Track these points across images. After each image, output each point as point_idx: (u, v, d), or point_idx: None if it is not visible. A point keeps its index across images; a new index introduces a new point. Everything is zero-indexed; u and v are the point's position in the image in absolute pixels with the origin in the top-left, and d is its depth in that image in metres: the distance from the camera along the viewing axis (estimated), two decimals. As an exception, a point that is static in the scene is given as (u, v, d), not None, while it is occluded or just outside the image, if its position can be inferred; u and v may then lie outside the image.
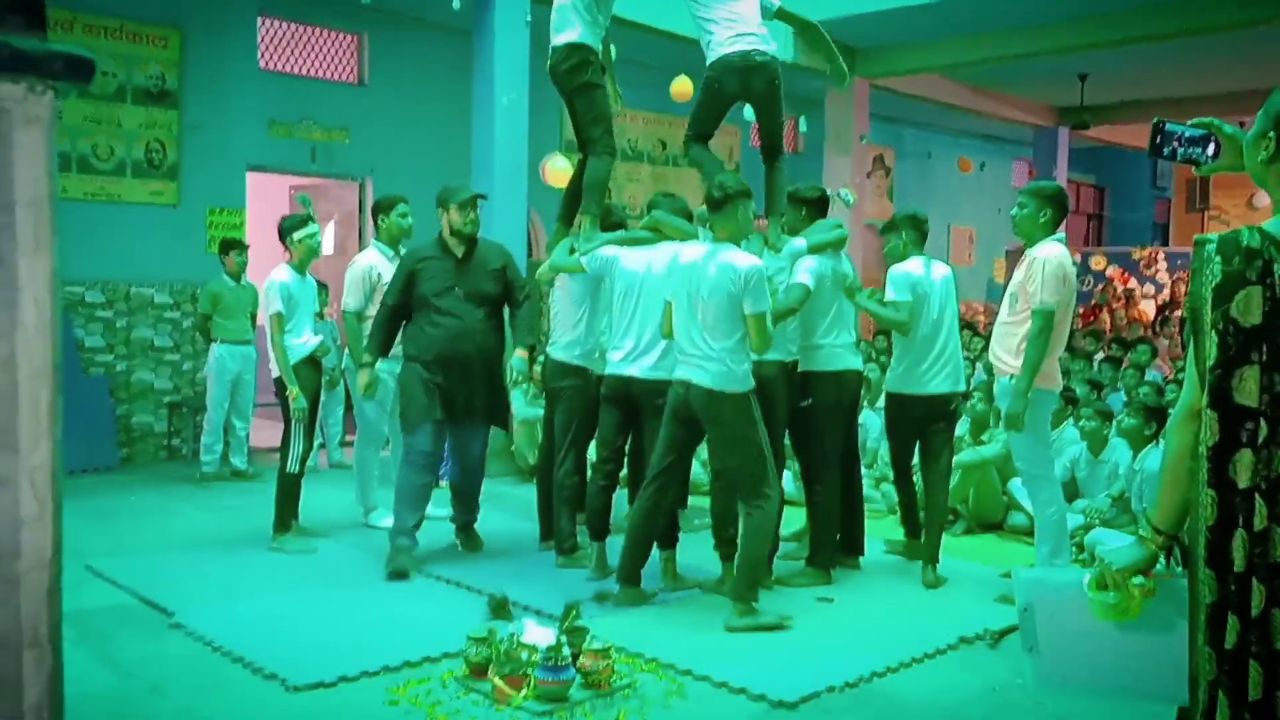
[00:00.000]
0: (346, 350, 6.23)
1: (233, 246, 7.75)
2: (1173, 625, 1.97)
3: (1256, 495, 1.84)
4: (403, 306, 5.36)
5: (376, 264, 6.02)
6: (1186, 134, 2.19)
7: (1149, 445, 5.74)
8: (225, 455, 7.78)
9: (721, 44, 5.01)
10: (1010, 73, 11.84)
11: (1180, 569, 2.10)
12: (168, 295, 8.54)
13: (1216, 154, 2.17)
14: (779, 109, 5.22)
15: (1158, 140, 2.20)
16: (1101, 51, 10.21)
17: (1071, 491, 6.43)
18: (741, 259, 4.34)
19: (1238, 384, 1.83)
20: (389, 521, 6.11)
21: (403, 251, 6.15)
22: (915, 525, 5.63)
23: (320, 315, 7.63)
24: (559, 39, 5.26)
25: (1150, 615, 2.02)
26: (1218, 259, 1.86)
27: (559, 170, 7.94)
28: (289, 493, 5.70)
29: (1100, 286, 15.84)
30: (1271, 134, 1.93)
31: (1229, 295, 1.84)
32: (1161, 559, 2.06)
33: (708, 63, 5.12)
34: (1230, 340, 1.83)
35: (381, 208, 6.16)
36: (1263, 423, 1.84)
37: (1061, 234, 4.93)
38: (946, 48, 10.45)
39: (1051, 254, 4.73)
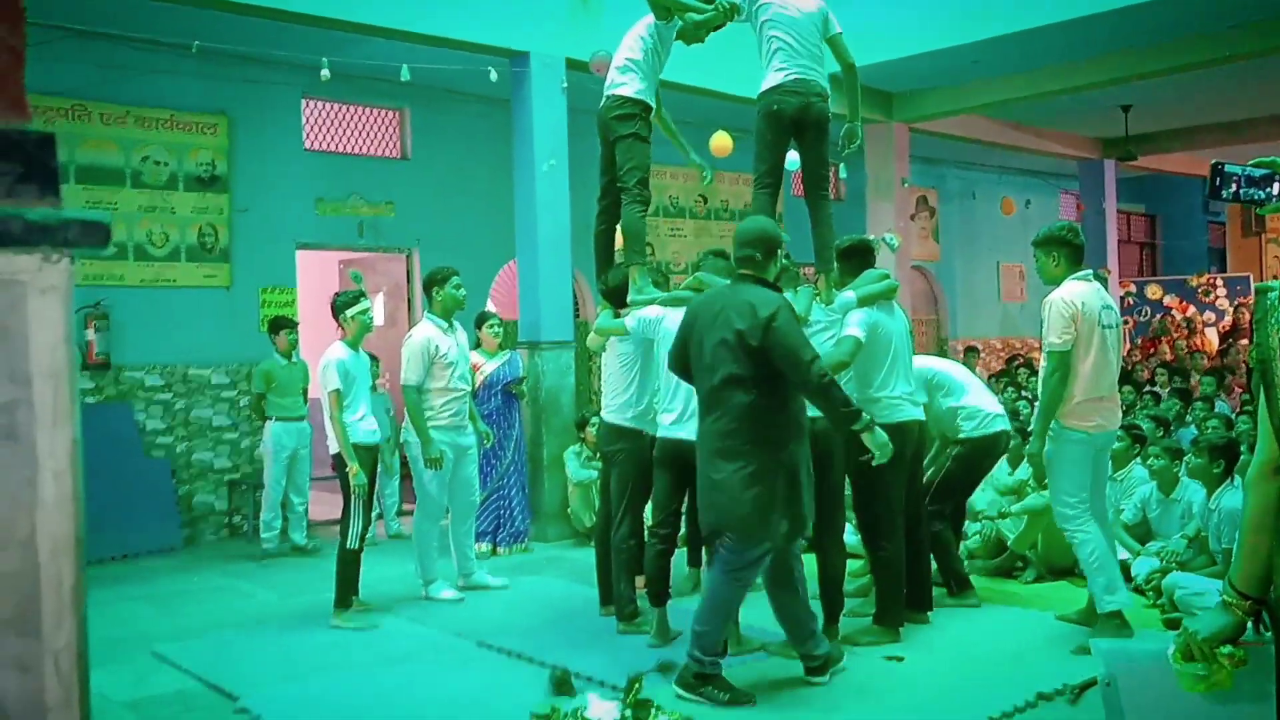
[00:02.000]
0: (405, 423, 6.24)
1: (283, 325, 7.86)
2: (1267, 695, 1.85)
3: None
4: None
5: (433, 337, 6.05)
6: (1247, 174, 2.12)
7: (1223, 483, 5.55)
8: (285, 531, 7.83)
9: (783, 68, 5.06)
10: (1050, 109, 11.75)
11: (1269, 634, 1.98)
12: (224, 375, 8.68)
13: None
14: (826, 144, 5.25)
15: (1217, 182, 2.14)
16: (1144, 82, 10.09)
17: (1144, 532, 6.26)
18: None
19: None
20: (449, 593, 6.09)
21: (456, 324, 6.20)
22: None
23: (374, 388, 7.69)
24: (617, 90, 5.34)
25: (1242, 686, 1.90)
26: None
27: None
28: (349, 569, 5.70)
29: (1159, 316, 15.54)
30: None
31: None
32: (1250, 624, 1.94)
33: (764, 88, 5.13)
34: None
35: (435, 281, 6.18)
36: None
37: (1085, 271, 4.99)
38: (983, 88, 10.41)
39: (1059, 295, 4.85)
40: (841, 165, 12.00)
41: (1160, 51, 9.18)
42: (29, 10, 1.06)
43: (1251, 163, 2.13)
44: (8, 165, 0.98)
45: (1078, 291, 4.83)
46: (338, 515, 5.78)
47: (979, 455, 5.81)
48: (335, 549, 5.77)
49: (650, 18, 5.41)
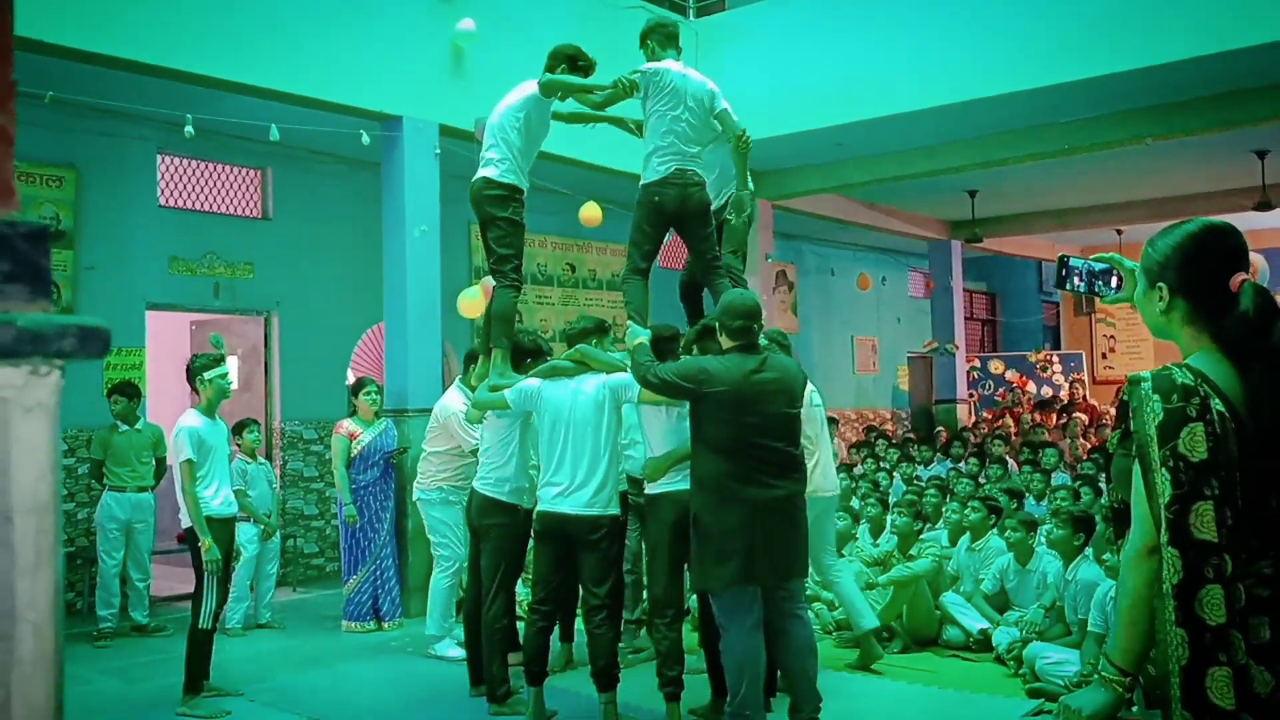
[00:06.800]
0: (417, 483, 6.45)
1: (116, 391, 7.40)
2: None
3: (1232, 631, 1.84)
4: None
5: (459, 409, 6.10)
6: (1089, 268, 2.25)
7: (1079, 555, 5.78)
8: (124, 609, 7.31)
9: (665, 159, 5.09)
10: (903, 190, 12.30)
11: (1137, 710, 2.06)
12: (61, 442, 8.10)
13: (1119, 286, 2.23)
14: (710, 226, 5.34)
15: (1062, 273, 2.27)
16: (989, 170, 10.67)
17: (1002, 602, 6.44)
18: None
19: (1195, 520, 1.86)
20: (455, 652, 6.14)
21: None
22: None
23: (254, 456, 7.27)
24: (484, 171, 5.33)
25: None
26: (1156, 397, 1.90)
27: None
28: (200, 650, 5.35)
29: (1002, 390, 16.29)
30: (1161, 285, 2.01)
31: (1174, 432, 1.87)
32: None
33: (645, 179, 5.15)
34: (1183, 477, 1.86)
35: (473, 359, 6.09)
36: (1226, 557, 1.85)
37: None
38: (842, 169, 10.82)
39: None
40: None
41: (1002, 141, 9.74)
42: None
43: (1094, 257, 2.27)
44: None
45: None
46: (188, 592, 5.44)
47: None
48: (185, 628, 5.42)
49: (527, 88, 5.39)
